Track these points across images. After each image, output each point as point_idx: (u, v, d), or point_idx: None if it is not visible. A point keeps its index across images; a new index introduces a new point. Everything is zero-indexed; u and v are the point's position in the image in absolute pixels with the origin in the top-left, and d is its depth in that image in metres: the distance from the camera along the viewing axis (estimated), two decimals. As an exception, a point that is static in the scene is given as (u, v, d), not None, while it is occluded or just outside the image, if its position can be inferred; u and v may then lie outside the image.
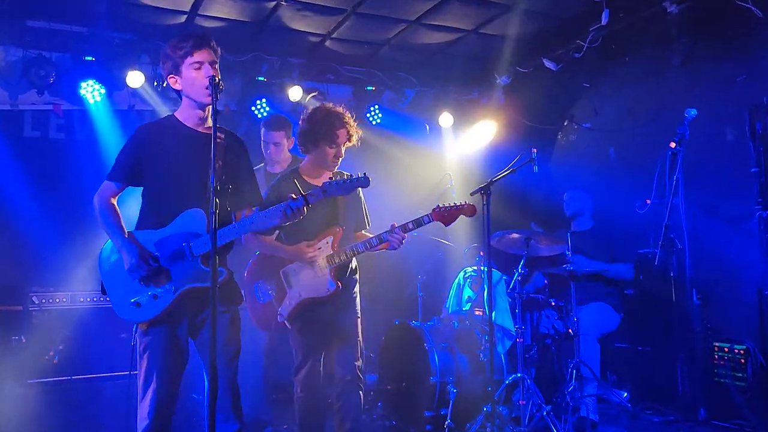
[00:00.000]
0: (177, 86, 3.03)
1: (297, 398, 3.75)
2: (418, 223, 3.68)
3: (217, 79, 2.76)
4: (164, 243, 2.96)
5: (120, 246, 2.96)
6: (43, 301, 4.91)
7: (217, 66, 2.99)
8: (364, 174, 3.14)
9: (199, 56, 2.96)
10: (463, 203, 3.75)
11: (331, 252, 3.65)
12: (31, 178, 5.56)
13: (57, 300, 4.97)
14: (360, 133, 3.78)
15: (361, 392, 3.79)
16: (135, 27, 5.41)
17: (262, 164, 4.90)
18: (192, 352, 3.10)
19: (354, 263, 3.86)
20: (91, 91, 5.41)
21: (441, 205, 3.73)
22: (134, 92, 5.60)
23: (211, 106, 2.88)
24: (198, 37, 3.00)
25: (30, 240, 5.38)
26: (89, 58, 5.40)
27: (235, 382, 3.05)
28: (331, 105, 3.77)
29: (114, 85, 5.50)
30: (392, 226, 3.65)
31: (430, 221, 3.71)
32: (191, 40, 2.98)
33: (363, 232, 3.92)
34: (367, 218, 3.96)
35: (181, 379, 3.04)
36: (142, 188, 3.10)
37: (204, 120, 3.08)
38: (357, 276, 3.91)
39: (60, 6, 5.07)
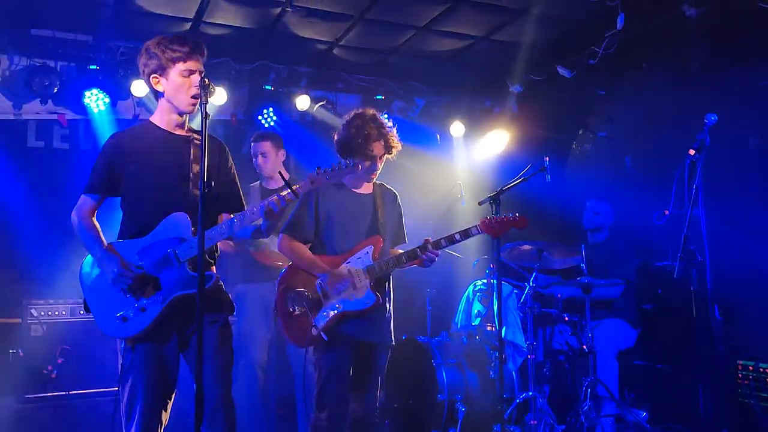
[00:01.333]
0: (158, 87, 2.93)
1: (317, 427, 3.34)
2: (466, 234, 3.42)
3: (207, 81, 2.66)
4: (148, 251, 2.83)
5: (100, 258, 2.84)
6: (42, 313, 4.82)
7: (203, 73, 2.90)
8: (351, 160, 2.96)
9: (192, 64, 2.90)
10: (515, 215, 3.50)
11: (371, 263, 3.41)
12: (35, 188, 5.54)
13: (56, 313, 4.87)
14: (400, 146, 3.56)
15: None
16: (139, 35, 5.31)
17: (258, 182, 4.79)
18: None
19: (389, 284, 3.59)
20: (96, 101, 5.37)
21: (490, 217, 3.49)
22: (139, 101, 5.54)
23: (189, 114, 2.96)
24: (195, 44, 2.92)
25: (31, 251, 5.33)
26: (94, 67, 5.34)
27: (228, 396, 2.89)
28: (372, 112, 3.55)
29: (118, 94, 5.44)
30: (425, 241, 3.39)
31: (479, 233, 3.45)
32: (187, 46, 2.89)
33: (396, 248, 3.66)
34: (404, 233, 3.73)
35: (170, 399, 2.89)
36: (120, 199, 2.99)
37: (181, 125, 3.00)
38: (391, 297, 3.61)
39: (64, 15, 5.03)
